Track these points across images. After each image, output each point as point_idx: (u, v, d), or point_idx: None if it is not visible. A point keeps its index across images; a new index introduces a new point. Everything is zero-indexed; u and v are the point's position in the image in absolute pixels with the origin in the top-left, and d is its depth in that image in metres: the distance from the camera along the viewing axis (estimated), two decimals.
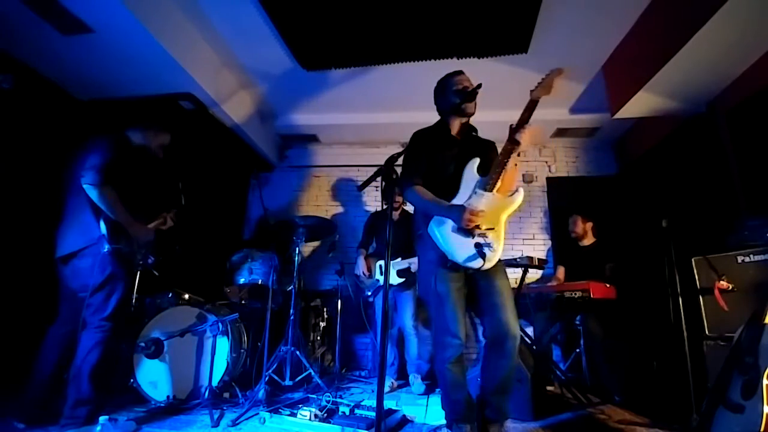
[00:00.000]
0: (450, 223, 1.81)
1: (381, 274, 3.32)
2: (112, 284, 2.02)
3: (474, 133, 2.08)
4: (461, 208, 1.77)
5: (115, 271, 2.02)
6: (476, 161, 1.91)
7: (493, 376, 1.80)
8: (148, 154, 2.37)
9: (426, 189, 1.92)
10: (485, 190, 1.83)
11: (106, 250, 1.99)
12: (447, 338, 1.77)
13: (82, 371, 1.91)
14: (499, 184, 1.84)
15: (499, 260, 1.87)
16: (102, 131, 2.20)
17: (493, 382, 1.79)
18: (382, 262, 3.32)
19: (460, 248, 1.78)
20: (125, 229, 2.10)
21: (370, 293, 3.41)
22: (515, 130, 1.83)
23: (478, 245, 1.74)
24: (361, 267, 3.42)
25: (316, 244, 4.48)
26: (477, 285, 1.86)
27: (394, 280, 3.23)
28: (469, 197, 1.85)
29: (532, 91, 1.89)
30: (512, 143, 1.82)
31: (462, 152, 1.96)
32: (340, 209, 4.73)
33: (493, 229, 1.80)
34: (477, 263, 1.74)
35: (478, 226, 1.76)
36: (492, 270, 1.82)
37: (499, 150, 1.88)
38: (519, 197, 1.88)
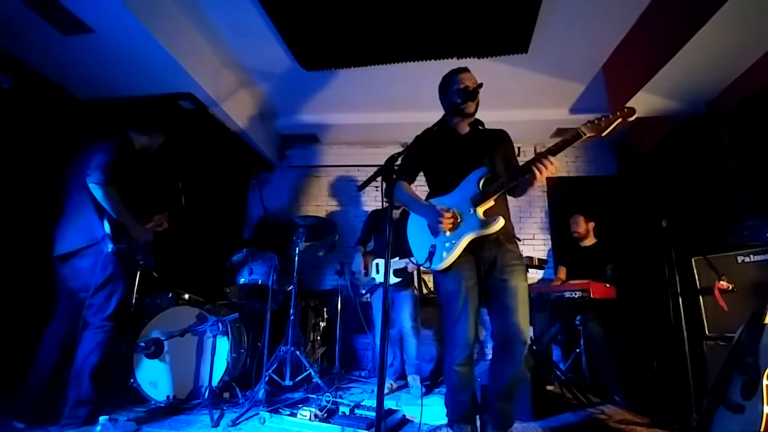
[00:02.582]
0: (418, 223, 1.88)
1: (378, 273, 3.29)
2: (113, 284, 2.02)
3: (481, 127, 2.02)
4: (432, 208, 1.78)
5: (116, 271, 2.03)
6: (484, 172, 1.80)
7: (497, 380, 1.74)
8: (148, 155, 2.37)
9: (430, 184, 1.96)
10: (473, 205, 1.75)
11: (109, 250, 1.99)
12: (454, 339, 1.72)
13: (83, 371, 1.91)
14: (491, 203, 1.76)
15: (520, 261, 1.78)
16: (103, 132, 2.21)
17: (498, 386, 1.74)
18: (379, 261, 3.30)
19: (418, 248, 1.85)
20: (127, 230, 2.10)
21: (364, 291, 3.37)
22: (536, 159, 1.61)
23: (432, 246, 1.77)
24: (360, 264, 3.37)
25: (316, 244, 4.48)
26: (491, 284, 1.77)
27: (391, 279, 3.18)
28: (452, 206, 1.79)
29: (583, 125, 1.64)
30: (524, 173, 1.67)
31: (467, 149, 1.91)
32: (340, 209, 4.73)
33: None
34: (427, 263, 1.77)
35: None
36: (508, 270, 1.74)
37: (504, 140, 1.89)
38: (495, 226, 1.71)
